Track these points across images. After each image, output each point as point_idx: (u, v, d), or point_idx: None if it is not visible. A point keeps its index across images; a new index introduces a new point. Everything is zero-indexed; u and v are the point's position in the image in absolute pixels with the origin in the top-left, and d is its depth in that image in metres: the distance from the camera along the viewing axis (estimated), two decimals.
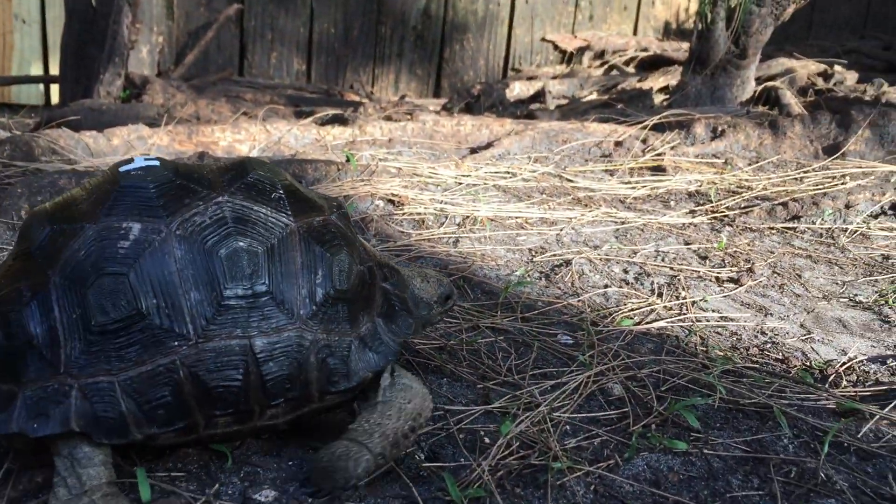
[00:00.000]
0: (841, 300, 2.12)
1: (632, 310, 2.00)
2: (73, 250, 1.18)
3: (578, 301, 2.02)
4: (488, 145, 3.53)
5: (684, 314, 1.99)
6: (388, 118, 4.08)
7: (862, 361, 1.74)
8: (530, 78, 6.36)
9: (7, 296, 1.19)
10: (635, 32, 6.73)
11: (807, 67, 5.22)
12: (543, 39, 6.72)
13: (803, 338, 1.88)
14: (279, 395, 1.23)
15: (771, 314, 2.01)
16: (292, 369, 1.23)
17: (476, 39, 6.63)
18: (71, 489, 1.15)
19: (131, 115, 4.33)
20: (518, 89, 5.76)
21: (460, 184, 2.92)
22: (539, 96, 5.71)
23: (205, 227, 1.21)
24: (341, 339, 1.27)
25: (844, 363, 1.72)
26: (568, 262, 2.27)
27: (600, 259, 2.31)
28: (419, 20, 6.49)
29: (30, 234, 1.24)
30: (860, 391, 1.59)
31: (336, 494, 1.20)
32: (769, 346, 1.83)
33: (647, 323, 1.93)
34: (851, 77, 5.17)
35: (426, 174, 2.92)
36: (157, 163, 1.27)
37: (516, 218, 2.62)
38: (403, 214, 2.51)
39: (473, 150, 3.54)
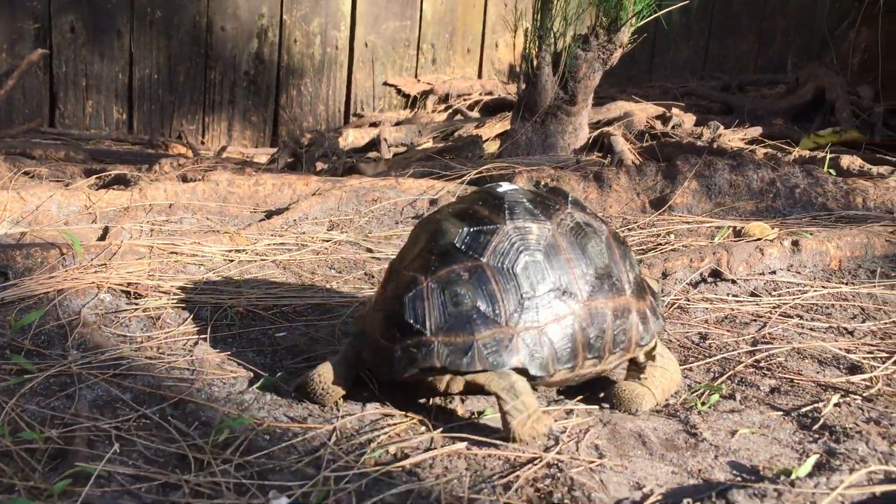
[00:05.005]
0: None
1: (397, 431, 1.59)
2: (497, 242, 1.60)
3: (329, 426, 1.59)
4: (287, 209, 3.09)
5: (455, 442, 1.59)
6: (184, 177, 3.59)
7: None
8: (373, 124, 6.00)
9: (447, 276, 1.58)
10: (480, 76, 6.49)
11: (646, 110, 5.07)
12: (386, 83, 6.39)
13: (593, 465, 1.51)
14: (618, 345, 1.66)
15: (563, 426, 1.64)
16: (626, 326, 1.66)
17: (314, 84, 6.24)
18: (521, 411, 1.54)
19: None
20: (352, 137, 5.37)
21: (231, 261, 2.47)
22: (375, 144, 5.34)
23: (570, 227, 1.66)
24: (643, 307, 1.72)
25: None
26: None
27: None
28: (251, 65, 6.05)
29: (447, 234, 1.63)
30: None
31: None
32: (549, 482, 1.45)
33: (413, 449, 1.52)
34: (689, 119, 5.04)
35: (188, 251, 2.45)
36: (517, 186, 1.75)
37: (284, 306, 2.19)
38: (135, 311, 2.03)
39: (270, 215, 3.09)
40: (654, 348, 1.75)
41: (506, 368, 1.54)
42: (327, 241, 2.77)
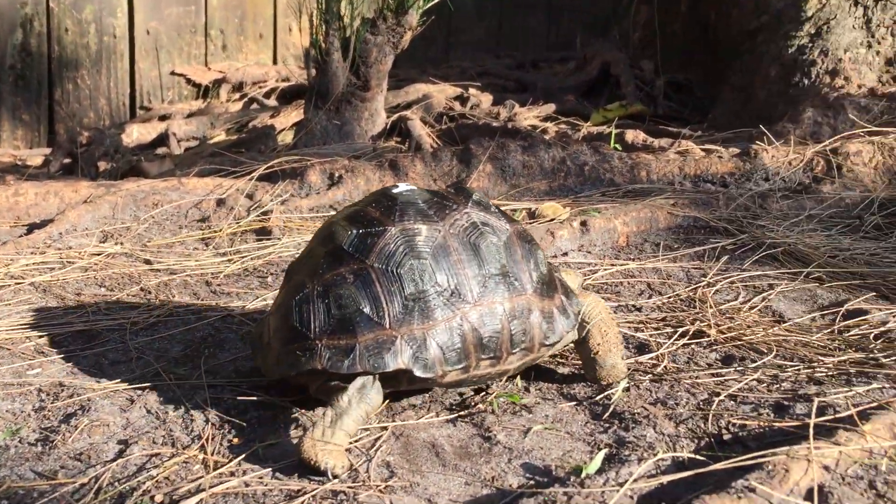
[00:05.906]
0: (443, 408, 1.70)
1: (166, 474, 1.41)
2: (384, 244, 1.61)
3: (84, 477, 1.39)
4: (52, 220, 2.77)
5: (233, 477, 1.44)
6: None
7: None
8: (163, 117, 5.61)
9: (332, 279, 1.60)
10: (275, 61, 6.23)
11: (444, 92, 5.04)
12: (173, 73, 5.99)
13: (382, 486, 1.41)
14: (518, 345, 1.66)
15: (354, 448, 1.53)
16: (526, 326, 1.66)
17: (93, 77, 5.74)
18: (322, 436, 1.46)
19: None
20: (137, 133, 4.98)
21: None
22: (164, 139, 4.98)
23: (465, 228, 1.67)
24: (549, 306, 1.71)
25: None
26: (86, 407, 1.63)
27: (135, 390, 1.70)
28: (17, 58, 5.48)
29: (336, 237, 1.64)
30: None
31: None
32: None
33: (182, 494, 1.35)
34: (487, 99, 5.07)
35: None
36: (414, 187, 1.75)
37: (40, 337, 1.93)
38: None
39: (31, 229, 2.76)
40: (585, 322, 1.76)
41: (388, 370, 1.53)
42: (98, 254, 2.50)
